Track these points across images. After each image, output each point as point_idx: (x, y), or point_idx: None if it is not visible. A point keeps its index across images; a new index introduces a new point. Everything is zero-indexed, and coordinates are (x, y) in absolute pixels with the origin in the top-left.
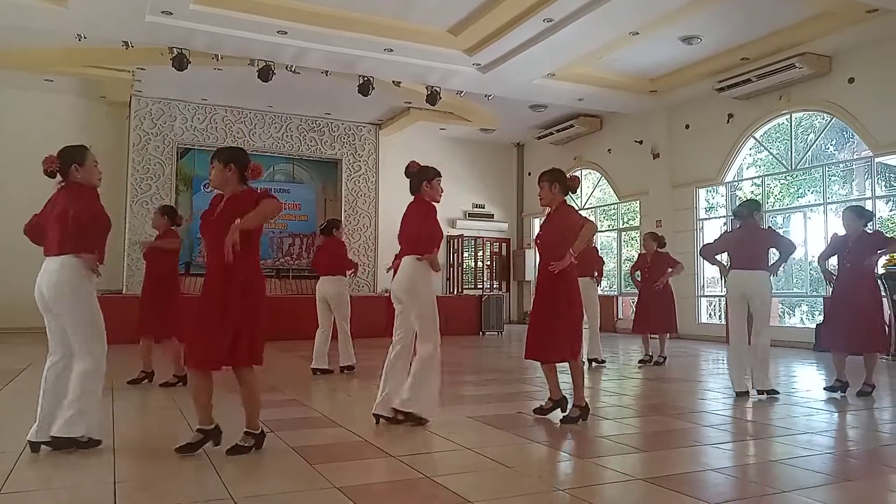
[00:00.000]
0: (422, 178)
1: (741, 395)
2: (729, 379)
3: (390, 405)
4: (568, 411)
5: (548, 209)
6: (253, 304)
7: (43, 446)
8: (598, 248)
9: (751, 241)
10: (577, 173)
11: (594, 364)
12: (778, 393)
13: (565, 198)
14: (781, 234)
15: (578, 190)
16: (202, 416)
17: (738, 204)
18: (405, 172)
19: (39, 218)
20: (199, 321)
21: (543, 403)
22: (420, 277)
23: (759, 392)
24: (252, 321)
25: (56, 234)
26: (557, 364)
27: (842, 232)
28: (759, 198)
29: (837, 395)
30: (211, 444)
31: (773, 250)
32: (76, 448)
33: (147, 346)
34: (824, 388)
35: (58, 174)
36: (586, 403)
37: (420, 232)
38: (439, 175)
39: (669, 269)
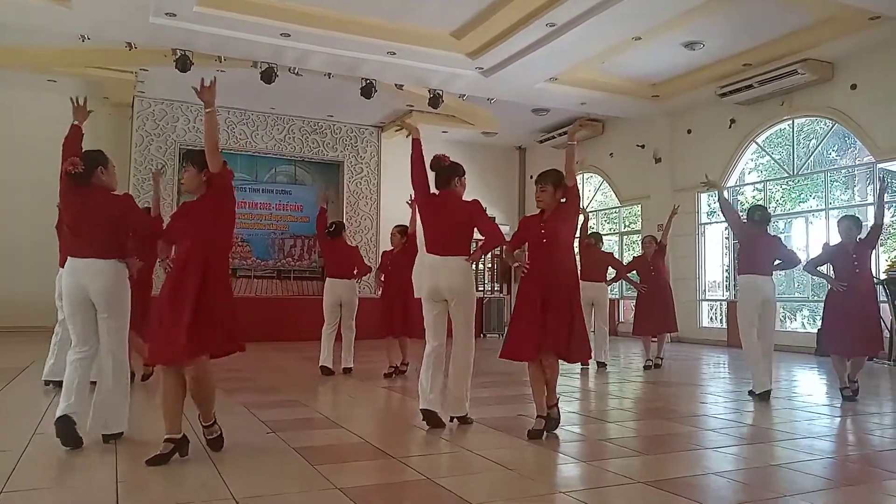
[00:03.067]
0: (455, 174)
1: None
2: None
3: (439, 407)
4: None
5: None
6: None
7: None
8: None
9: (765, 247)
10: (579, 177)
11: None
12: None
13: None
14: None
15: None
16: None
17: (754, 207)
18: (434, 165)
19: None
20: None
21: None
22: (471, 279)
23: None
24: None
25: (107, 237)
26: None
27: (834, 241)
28: (760, 203)
29: (852, 397)
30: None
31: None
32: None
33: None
34: (844, 398)
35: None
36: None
37: (492, 229)
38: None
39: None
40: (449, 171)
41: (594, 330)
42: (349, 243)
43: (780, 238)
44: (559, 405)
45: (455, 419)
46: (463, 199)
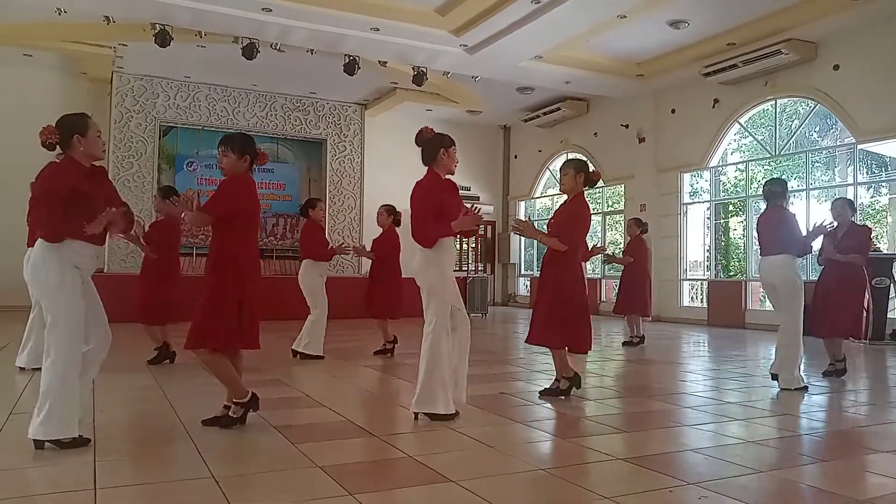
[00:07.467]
0: (439, 146)
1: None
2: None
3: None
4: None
5: (566, 196)
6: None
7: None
8: None
9: (770, 225)
10: (562, 157)
11: None
12: (807, 388)
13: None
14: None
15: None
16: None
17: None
18: (417, 140)
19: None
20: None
21: (550, 385)
22: (428, 263)
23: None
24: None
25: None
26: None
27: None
28: (742, 183)
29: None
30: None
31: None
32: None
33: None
34: (823, 374)
35: (57, 146)
36: (575, 373)
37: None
38: (454, 143)
39: (625, 255)
40: (433, 144)
41: None
42: (318, 222)
43: (784, 216)
44: (572, 379)
45: (422, 415)
46: (442, 178)
